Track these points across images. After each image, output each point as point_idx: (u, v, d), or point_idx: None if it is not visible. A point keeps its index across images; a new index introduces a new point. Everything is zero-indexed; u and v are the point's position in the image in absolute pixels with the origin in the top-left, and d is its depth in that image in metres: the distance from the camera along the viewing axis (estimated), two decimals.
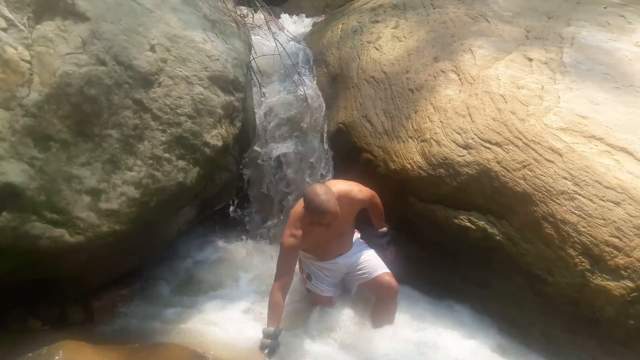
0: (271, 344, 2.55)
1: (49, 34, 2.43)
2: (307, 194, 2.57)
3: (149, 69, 2.61)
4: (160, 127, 2.61)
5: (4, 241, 2.25)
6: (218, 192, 3.13)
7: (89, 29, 2.50)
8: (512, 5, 3.64)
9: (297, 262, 2.80)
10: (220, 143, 2.81)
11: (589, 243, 2.40)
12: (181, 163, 2.66)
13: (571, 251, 2.44)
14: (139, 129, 2.57)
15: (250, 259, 3.44)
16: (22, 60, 2.35)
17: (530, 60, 3.08)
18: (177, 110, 2.67)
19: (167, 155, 2.61)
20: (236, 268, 3.35)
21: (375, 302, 2.87)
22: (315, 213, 2.53)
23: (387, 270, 2.85)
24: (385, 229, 3.02)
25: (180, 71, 2.72)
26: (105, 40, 2.53)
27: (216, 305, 2.96)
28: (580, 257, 2.42)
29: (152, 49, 2.65)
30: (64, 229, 2.36)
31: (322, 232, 2.65)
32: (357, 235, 3.00)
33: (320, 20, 4.81)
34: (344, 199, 2.70)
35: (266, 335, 2.58)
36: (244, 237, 3.65)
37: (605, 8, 3.60)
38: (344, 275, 2.93)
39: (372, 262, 2.87)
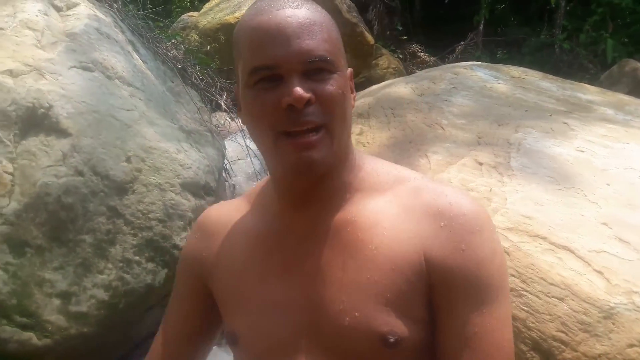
0: None
1: (33, 149, 2.66)
2: None
3: (124, 178, 2.83)
4: (132, 232, 2.77)
5: None
6: None
7: (70, 144, 2.74)
8: (466, 113, 3.98)
9: None
10: None
11: (538, 338, 2.50)
12: (150, 265, 2.79)
13: (522, 346, 2.53)
14: (112, 233, 2.73)
15: None
16: (5, 172, 2.56)
17: (481, 164, 3.34)
18: (149, 215, 2.84)
19: (137, 258, 2.75)
20: None
21: None
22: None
23: None
24: None
25: (154, 179, 2.93)
26: (85, 154, 2.76)
27: None
28: (532, 352, 2.51)
29: (128, 160, 2.88)
30: (32, 332, 2.44)
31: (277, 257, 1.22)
32: None
33: None
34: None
35: None
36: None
37: (550, 115, 3.94)
38: None
39: None
